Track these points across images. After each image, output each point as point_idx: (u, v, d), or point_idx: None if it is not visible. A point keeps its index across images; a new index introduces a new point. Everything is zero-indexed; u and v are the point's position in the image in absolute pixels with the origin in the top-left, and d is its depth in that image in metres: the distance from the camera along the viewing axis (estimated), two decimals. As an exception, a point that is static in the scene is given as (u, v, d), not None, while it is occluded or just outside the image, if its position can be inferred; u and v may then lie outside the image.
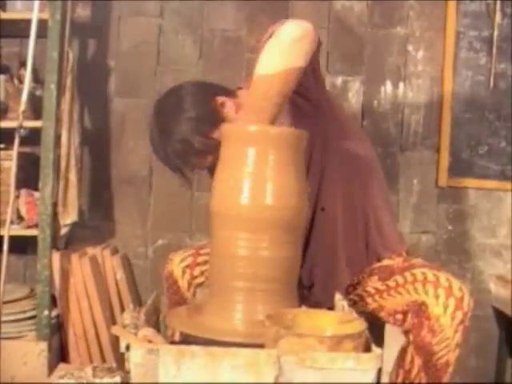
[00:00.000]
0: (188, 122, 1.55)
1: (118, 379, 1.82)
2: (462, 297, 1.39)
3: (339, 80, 2.55)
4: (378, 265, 1.63)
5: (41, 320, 2.13)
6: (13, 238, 2.07)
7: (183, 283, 1.68)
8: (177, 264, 1.70)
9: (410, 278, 1.48)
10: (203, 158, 1.58)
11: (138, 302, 2.50)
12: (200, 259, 1.69)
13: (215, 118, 1.55)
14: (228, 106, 1.60)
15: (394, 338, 1.40)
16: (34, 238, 2.16)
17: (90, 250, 2.41)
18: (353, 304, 1.54)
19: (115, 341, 1.88)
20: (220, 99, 1.60)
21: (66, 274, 2.25)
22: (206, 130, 1.54)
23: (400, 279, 1.50)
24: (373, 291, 1.57)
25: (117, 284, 2.41)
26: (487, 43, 2.52)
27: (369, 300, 1.57)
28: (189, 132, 1.55)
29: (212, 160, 1.54)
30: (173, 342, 1.25)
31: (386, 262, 1.63)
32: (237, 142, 1.25)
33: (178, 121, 1.56)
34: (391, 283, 1.53)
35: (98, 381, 1.82)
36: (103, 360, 2.26)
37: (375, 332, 1.21)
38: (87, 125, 2.57)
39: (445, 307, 1.38)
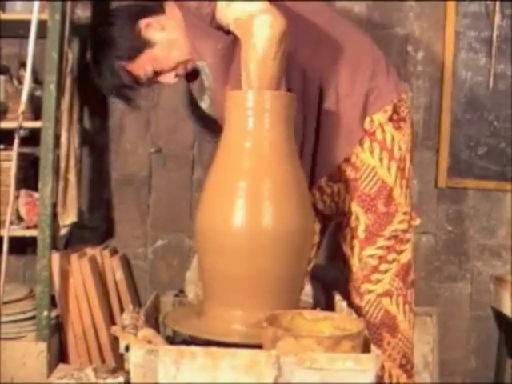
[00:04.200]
0: (116, 52, 1.51)
1: (121, 379, 1.81)
2: None
3: (339, 81, 2.55)
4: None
5: (40, 321, 2.12)
6: (12, 239, 2.06)
7: None
8: None
9: None
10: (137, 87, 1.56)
11: (138, 302, 2.50)
12: None
13: (140, 45, 1.49)
14: (154, 26, 1.52)
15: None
16: (33, 239, 2.15)
17: (90, 251, 2.41)
18: None
19: (115, 341, 1.88)
20: (144, 22, 1.52)
21: (65, 275, 2.25)
22: (132, 66, 1.50)
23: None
24: None
25: (116, 284, 2.41)
26: (487, 44, 2.52)
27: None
28: (117, 66, 1.51)
29: (151, 82, 1.55)
30: (172, 343, 1.25)
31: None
32: (238, 110, 1.28)
33: (108, 54, 1.52)
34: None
35: (101, 381, 1.81)
36: (103, 361, 2.26)
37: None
38: (87, 125, 2.57)
39: None
